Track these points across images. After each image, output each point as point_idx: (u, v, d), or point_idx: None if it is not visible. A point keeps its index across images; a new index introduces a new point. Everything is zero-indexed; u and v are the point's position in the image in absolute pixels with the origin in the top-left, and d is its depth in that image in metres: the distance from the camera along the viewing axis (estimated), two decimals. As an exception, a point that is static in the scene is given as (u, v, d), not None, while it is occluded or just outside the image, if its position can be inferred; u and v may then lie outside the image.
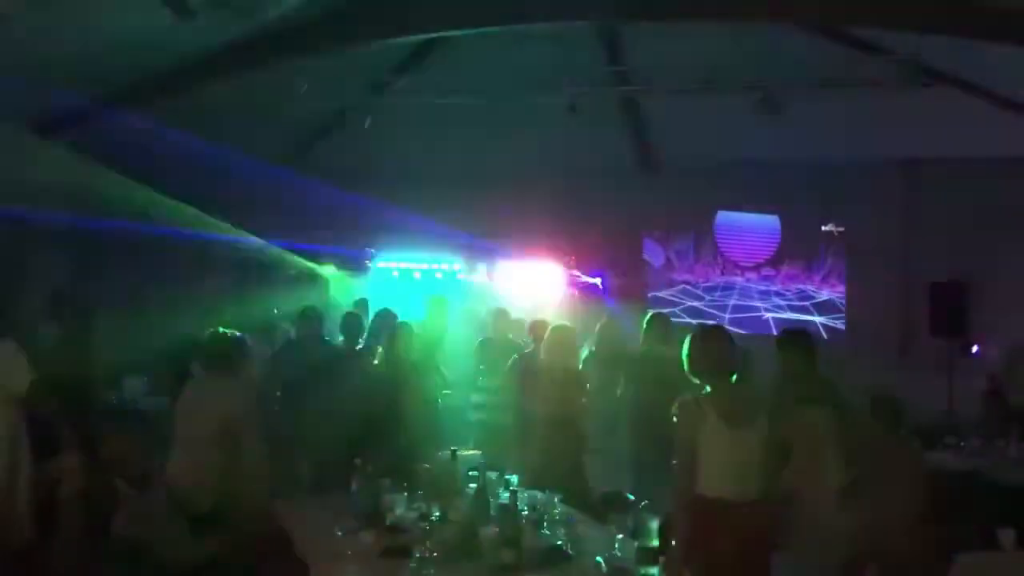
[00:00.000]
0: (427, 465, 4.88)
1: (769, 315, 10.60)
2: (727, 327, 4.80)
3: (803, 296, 10.55)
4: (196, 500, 4.30)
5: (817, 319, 10.37)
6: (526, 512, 4.25)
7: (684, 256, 10.97)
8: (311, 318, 7.24)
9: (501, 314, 8.18)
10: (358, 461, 4.54)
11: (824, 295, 10.45)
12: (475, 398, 7.73)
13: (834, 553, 5.05)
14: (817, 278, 10.50)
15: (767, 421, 4.00)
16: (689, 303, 10.86)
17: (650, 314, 7.46)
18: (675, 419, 4.02)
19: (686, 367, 4.15)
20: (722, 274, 10.83)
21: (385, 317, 7.10)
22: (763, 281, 10.70)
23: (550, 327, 6.07)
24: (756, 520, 3.95)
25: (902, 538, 4.86)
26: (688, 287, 10.91)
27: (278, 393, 6.82)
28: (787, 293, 10.60)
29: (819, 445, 5.09)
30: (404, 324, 6.44)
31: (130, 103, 7.85)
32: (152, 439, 4.18)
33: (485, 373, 7.76)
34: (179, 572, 3.62)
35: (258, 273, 10.02)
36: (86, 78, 7.32)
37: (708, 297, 10.83)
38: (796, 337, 5.52)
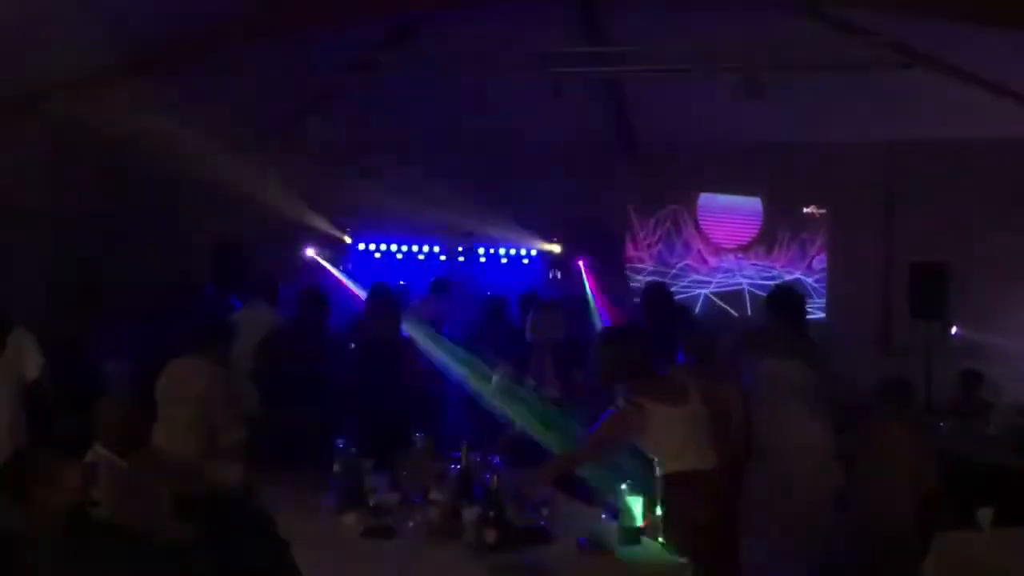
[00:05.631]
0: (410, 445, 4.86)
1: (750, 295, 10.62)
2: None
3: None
4: (178, 481, 4.28)
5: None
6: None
7: (666, 237, 10.93)
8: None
9: (492, 300, 8.13)
10: (340, 442, 4.52)
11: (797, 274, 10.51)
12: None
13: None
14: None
15: (699, 395, 4.10)
16: (670, 282, 10.84)
17: (647, 283, 7.31)
18: (615, 418, 4.02)
19: (604, 376, 4.21)
20: (704, 255, 10.83)
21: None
22: (747, 262, 10.70)
23: (533, 306, 6.01)
24: (728, 484, 4.16)
25: (891, 516, 4.92)
26: (669, 268, 10.89)
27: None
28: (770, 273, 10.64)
29: (796, 395, 5.15)
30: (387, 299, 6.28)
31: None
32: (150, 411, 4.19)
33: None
34: (161, 553, 3.59)
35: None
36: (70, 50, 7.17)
37: (689, 277, 10.82)
38: (785, 292, 5.83)
